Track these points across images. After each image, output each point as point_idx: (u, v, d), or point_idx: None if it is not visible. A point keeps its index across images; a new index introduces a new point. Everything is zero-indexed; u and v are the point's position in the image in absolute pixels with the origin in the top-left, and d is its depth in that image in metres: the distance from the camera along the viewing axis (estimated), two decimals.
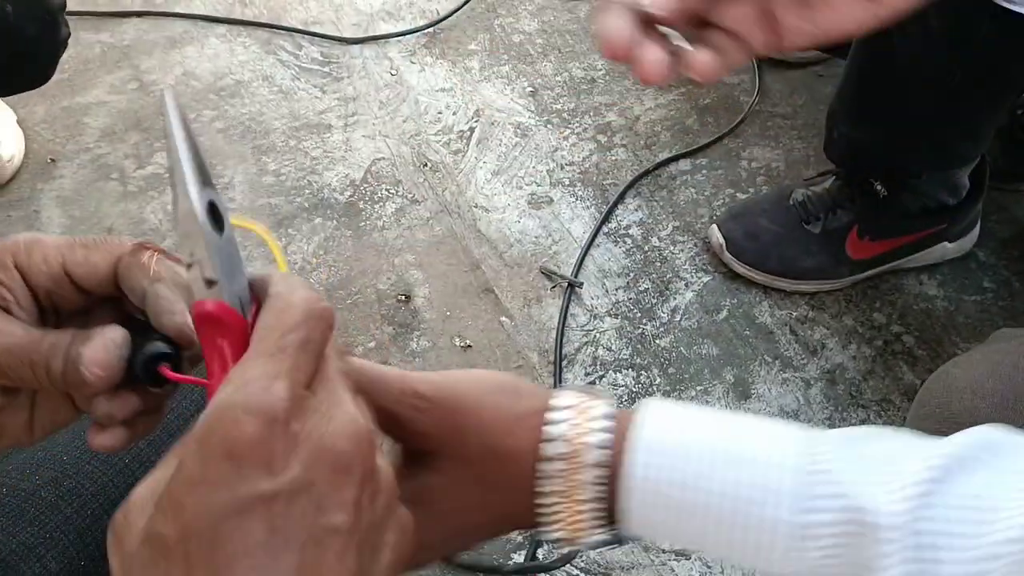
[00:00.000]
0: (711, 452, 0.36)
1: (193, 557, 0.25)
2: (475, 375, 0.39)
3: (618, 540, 0.38)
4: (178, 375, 0.33)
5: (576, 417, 0.37)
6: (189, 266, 0.29)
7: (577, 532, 0.37)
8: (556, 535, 0.37)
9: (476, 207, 1.17)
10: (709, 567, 0.87)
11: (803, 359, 1.02)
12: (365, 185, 1.18)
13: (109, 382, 0.33)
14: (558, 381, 1.00)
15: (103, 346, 0.32)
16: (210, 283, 0.29)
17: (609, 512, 0.37)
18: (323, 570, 0.26)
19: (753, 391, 1.00)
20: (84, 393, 0.34)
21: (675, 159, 1.21)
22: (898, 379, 1.00)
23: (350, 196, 1.17)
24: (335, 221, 1.15)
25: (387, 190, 1.18)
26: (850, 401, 0.98)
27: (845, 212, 1.05)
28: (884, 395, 0.98)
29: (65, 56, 1.29)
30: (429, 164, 1.21)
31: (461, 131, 1.25)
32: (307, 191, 1.17)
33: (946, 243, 1.07)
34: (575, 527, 0.37)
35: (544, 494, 0.36)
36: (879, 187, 1.03)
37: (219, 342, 0.29)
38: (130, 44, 1.32)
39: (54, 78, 1.24)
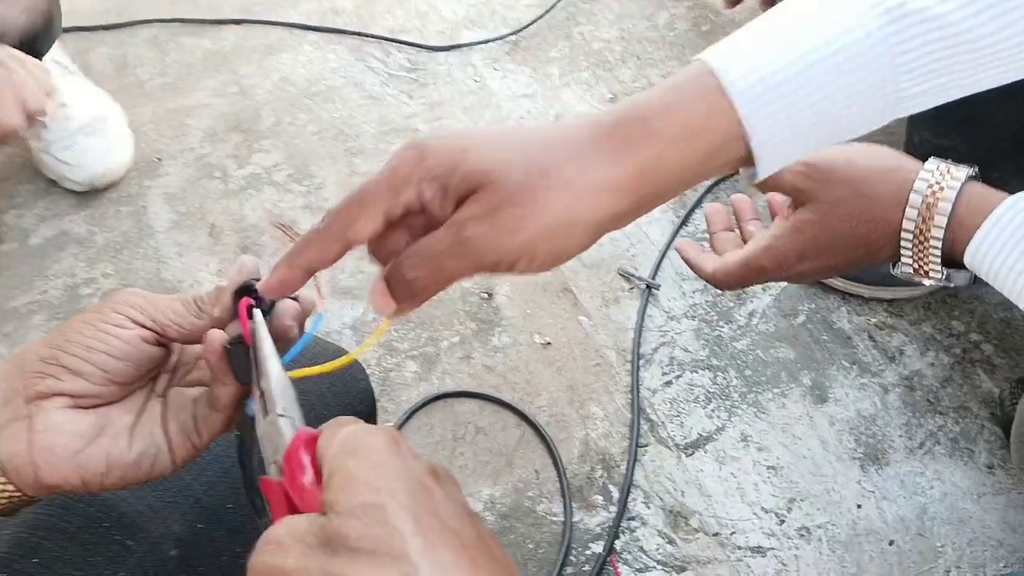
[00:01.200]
0: None
1: (412, 501, 0.30)
2: (847, 148, 0.53)
3: (950, 281, 0.51)
4: (245, 318, 0.42)
5: (937, 177, 0.49)
6: (281, 416, 0.38)
7: (924, 268, 0.50)
8: (908, 268, 0.51)
9: None
10: (785, 565, 0.90)
11: (881, 365, 1.03)
12: None
13: (233, 284, 0.44)
14: (635, 380, 1.03)
15: (237, 266, 0.45)
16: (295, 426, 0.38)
17: (953, 261, 0.49)
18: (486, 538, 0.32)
19: (830, 395, 1.01)
20: (211, 305, 0.44)
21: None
22: (976, 387, 1.00)
23: None
24: None
25: None
26: (928, 407, 0.99)
27: None
28: (962, 402, 0.99)
29: (169, 60, 1.38)
30: None
31: None
32: None
33: None
34: (923, 263, 0.50)
35: (905, 231, 0.50)
36: None
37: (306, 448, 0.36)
38: (230, 50, 1.40)
39: (159, 81, 1.32)
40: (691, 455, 0.98)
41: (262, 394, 0.39)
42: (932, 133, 0.99)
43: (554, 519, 0.93)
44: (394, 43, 1.40)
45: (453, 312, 1.10)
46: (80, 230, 1.19)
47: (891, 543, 0.90)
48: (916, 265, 0.51)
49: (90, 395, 0.41)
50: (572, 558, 0.91)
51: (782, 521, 0.92)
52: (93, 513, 0.53)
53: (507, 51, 1.40)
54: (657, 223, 1.18)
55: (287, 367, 0.41)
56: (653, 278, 1.12)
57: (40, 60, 1.11)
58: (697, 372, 1.04)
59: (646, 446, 0.98)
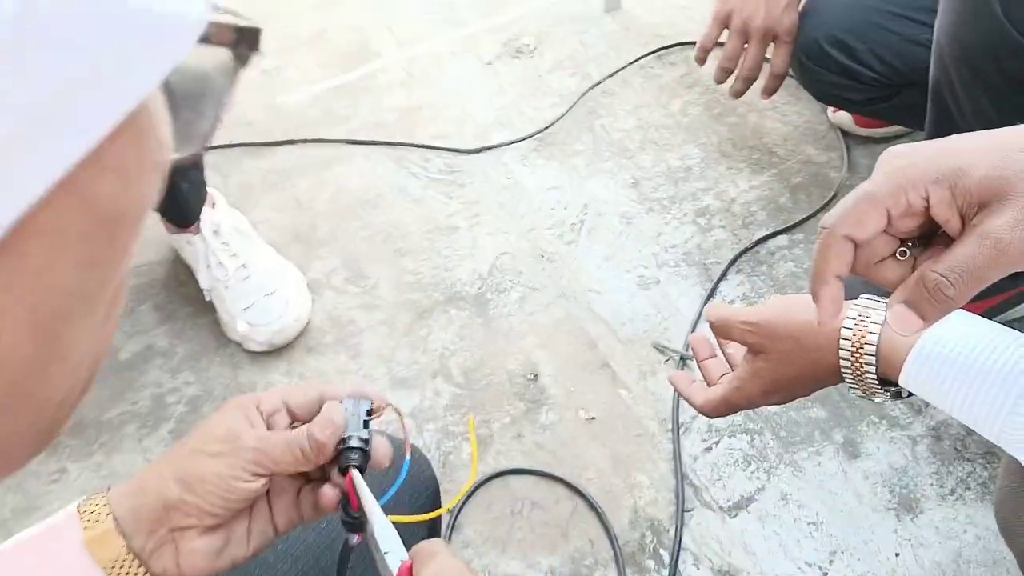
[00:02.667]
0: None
1: None
2: (786, 302, 0.64)
3: (898, 396, 0.60)
4: (351, 487, 0.51)
5: (859, 324, 0.58)
6: (387, 553, 0.48)
7: (868, 393, 0.60)
8: (857, 392, 0.60)
9: (590, 291, 1.30)
10: None
11: (908, 418, 1.09)
12: (491, 277, 1.34)
13: (332, 439, 0.52)
14: (677, 448, 1.10)
15: (325, 421, 0.52)
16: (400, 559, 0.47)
17: (889, 381, 0.58)
18: None
19: (862, 450, 1.07)
20: (316, 457, 0.52)
21: (772, 236, 1.32)
22: None
23: (479, 288, 1.33)
24: (467, 311, 1.30)
25: (510, 281, 1.33)
26: (955, 455, 1.04)
27: None
28: (988, 448, 1.04)
29: (232, 183, 1.53)
30: (546, 255, 1.36)
31: (572, 223, 1.40)
32: (442, 286, 1.34)
33: None
34: (866, 391, 0.60)
35: (844, 369, 0.59)
36: None
37: None
38: (284, 169, 1.55)
39: (229, 201, 1.47)
40: (735, 516, 1.04)
41: (371, 535, 0.49)
42: None
43: None
44: (432, 149, 1.53)
45: (502, 394, 1.20)
46: (163, 343, 1.32)
47: None
48: (861, 392, 0.60)
49: (221, 524, 0.52)
50: None
51: (825, 573, 0.98)
52: None
53: (535, 148, 1.52)
54: (686, 296, 1.27)
55: (385, 508, 0.51)
56: (686, 349, 1.20)
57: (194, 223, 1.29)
58: (735, 437, 1.11)
59: (692, 510, 1.05)
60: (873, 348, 0.57)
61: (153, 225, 1.46)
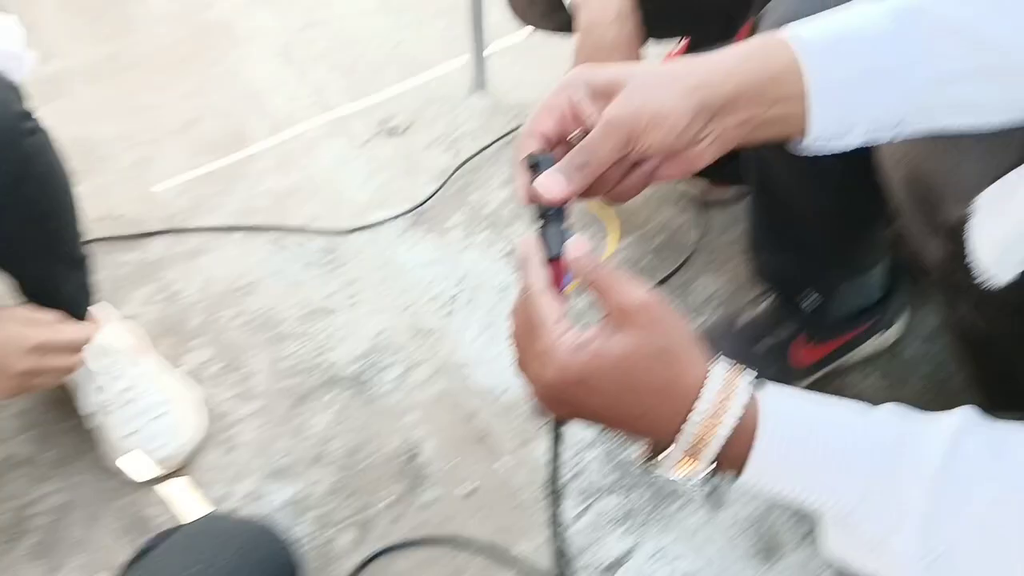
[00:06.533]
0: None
1: None
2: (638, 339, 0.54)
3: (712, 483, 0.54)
4: None
5: (721, 396, 0.52)
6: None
7: (694, 467, 0.53)
8: (674, 461, 0.53)
9: (468, 363, 1.32)
10: None
11: None
12: (370, 356, 1.35)
13: None
14: (554, 512, 1.11)
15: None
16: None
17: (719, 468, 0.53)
18: None
19: (727, 498, 1.11)
20: None
21: None
22: None
23: (357, 368, 1.33)
24: (346, 393, 1.30)
25: (390, 358, 1.34)
26: None
27: (788, 324, 1.19)
28: None
29: (100, 276, 1.50)
30: (424, 330, 1.38)
31: (450, 296, 1.42)
32: (319, 369, 1.33)
33: (882, 331, 1.21)
34: (692, 466, 0.53)
35: (694, 414, 0.52)
36: (813, 297, 1.17)
37: None
38: (155, 260, 1.52)
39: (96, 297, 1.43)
40: None
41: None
42: (767, 253, 1.14)
43: None
44: (307, 233, 1.54)
45: (382, 475, 1.19)
46: (25, 451, 1.26)
47: None
48: (686, 468, 0.53)
49: None
50: None
51: None
52: None
53: (411, 224, 1.55)
54: None
55: None
56: None
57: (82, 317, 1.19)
58: (611, 495, 1.13)
59: None
60: (740, 411, 0.51)
61: None
